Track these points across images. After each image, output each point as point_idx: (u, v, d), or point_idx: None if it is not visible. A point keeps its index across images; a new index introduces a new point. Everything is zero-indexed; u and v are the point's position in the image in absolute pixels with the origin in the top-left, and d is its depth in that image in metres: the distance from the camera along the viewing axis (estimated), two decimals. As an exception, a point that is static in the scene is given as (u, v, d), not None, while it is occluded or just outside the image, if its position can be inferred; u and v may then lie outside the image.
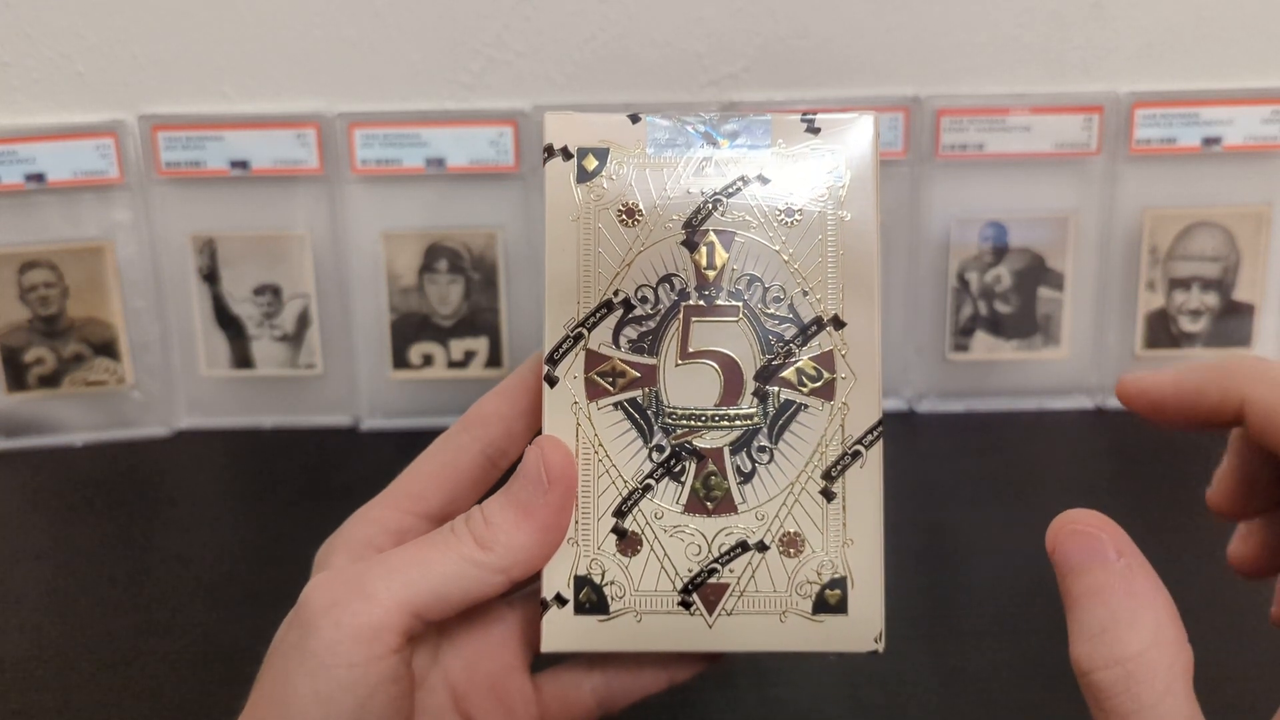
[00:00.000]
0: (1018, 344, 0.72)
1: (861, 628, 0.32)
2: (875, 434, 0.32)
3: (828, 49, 0.69)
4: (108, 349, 0.70)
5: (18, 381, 0.70)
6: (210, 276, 0.70)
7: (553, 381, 0.32)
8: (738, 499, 0.32)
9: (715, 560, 0.32)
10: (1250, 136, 0.69)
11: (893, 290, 0.71)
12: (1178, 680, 0.24)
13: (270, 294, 0.70)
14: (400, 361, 0.71)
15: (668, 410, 0.32)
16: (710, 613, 0.32)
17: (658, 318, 0.33)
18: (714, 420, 0.32)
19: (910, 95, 0.69)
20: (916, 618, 0.50)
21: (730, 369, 0.32)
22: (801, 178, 0.33)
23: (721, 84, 0.70)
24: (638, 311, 0.33)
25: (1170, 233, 0.70)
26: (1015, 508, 0.60)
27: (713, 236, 0.33)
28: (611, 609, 0.32)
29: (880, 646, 0.32)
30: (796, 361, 0.32)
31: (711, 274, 0.33)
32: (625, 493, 0.32)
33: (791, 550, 0.32)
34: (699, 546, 0.32)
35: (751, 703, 0.45)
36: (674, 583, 0.32)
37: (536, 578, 0.32)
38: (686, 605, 0.32)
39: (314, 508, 0.62)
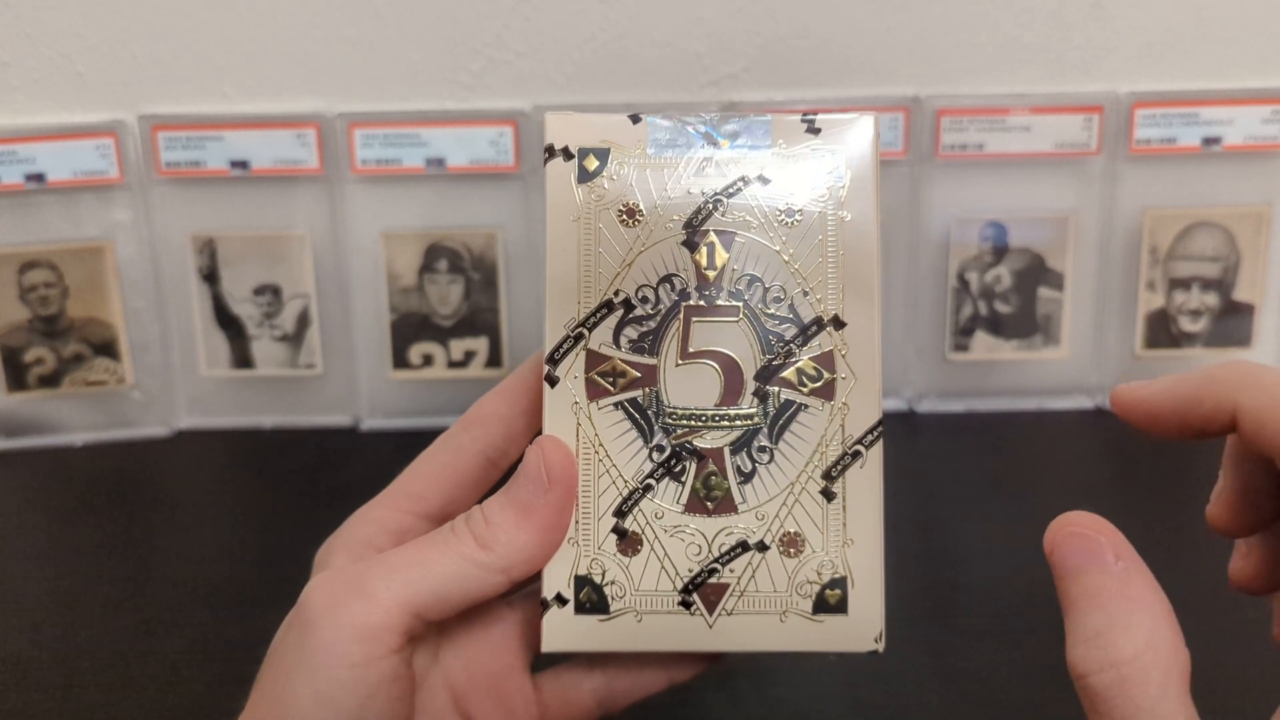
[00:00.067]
0: (1018, 344, 0.72)
1: (861, 628, 0.32)
2: (875, 434, 0.32)
3: (828, 49, 0.69)
4: (108, 349, 0.70)
5: (18, 381, 0.70)
6: (210, 276, 0.70)
7: (553, 381, 0.32)
8: (738, 499, 0.32)
9: (715, 560, 0.32)
10: (1250, 136, 0.69)
11: (893, 290, 0.71)
12: (1173, 684, 0.23)
13: (270, 294, 0.70)
14: (400, 361, 0.71)
15: (668, 410, 0.32)
16: (710, 613, 0.32)
17: (658, 318, 0.33)
18: (714, 420, 0.32)
19: (910, 95, 0.69)
20: (916, 618, 0.50)
21: (730, 369, 0.32)
22: (802, 178, 0.33)
23: (721, 84, 0.70)
24: (638, 311, 0.33)
25: (1170, 233, 0.70)
26: (1015, 508, 0.60)
27: (713, 237, 0.33)
28: (612, 609, 0.32)
29: (880, 646, 0.32)
30: (797, 361, 0.32)
31: (712, 274, 0.33)
32: (625, 493, 0.32)
33: (792, 550, 0.32)
34: (699, 546, 0.32)
35: (751, 703, 0.45)
36: (674, 583, 0.32)
37: (537, 578, 0.32)
38: (687, 605, 0.32)
39: (314, 508, 0.62)
